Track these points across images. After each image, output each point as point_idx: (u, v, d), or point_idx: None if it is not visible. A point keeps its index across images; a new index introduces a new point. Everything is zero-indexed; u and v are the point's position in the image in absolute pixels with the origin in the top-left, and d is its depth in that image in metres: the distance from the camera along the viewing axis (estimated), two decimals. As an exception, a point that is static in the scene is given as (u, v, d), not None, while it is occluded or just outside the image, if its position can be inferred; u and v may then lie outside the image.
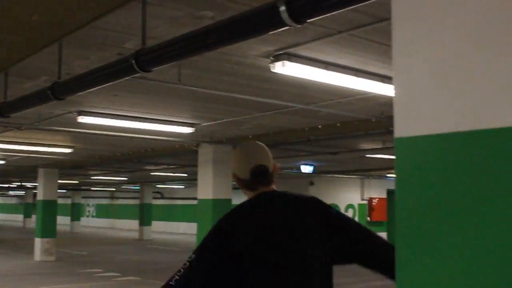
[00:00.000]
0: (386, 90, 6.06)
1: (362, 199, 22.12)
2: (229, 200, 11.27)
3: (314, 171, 16.71)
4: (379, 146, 11.65)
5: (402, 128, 1.64)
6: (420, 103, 1.61)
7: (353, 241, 2.48)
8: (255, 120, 8.82)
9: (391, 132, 7.93)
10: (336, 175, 20.21)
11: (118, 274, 14.06)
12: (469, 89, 1.49)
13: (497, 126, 1.40)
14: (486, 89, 1.45)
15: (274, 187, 2.60)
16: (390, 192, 23.05)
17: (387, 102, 7.21)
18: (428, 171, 1.55)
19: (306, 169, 16.63)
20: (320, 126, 9.25)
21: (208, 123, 9.04)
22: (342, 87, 6.04)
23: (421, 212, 1.55)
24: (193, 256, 2.39)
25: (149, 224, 28.77)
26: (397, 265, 1.60)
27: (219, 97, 6.85)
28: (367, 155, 12.65)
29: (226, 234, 2.39)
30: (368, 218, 22.09)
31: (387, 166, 17.01)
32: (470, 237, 1.45)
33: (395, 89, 1.68)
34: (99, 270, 14.82)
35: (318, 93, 6.72)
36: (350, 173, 19.82)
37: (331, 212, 2.54)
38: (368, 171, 18.99)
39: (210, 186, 10.95)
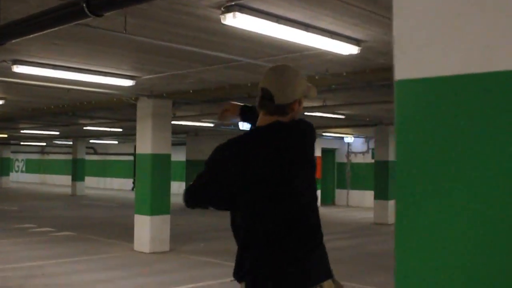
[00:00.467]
0: (334, 46, 6.08)
1: (299, 157, 22.39)
2: (169, 155, 11.18)
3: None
4: (318, 104, 11.76)
5: (403, 70, 1.59)
6: (423, 43, 1.56)
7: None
8: (198, 74, 8.69)
9: (332, 90, 8.06)
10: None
11: (53, 229, 13.78)
12: (477, 29, 1.44)
13: (505, 69, 1.38)
14: (495, 30, 1.42)
15: (282, 119, 2.57)
16: (324, 151, 23.45)
17: (332, 59, 7.26)
18: (430, 115, 1.52)
19: (245, 126, 16.57)
20: (263, 82, 9.20)
21: (149, 76, 8.84)
22: (291, 42, 6.01)
23: (421, 156, 1.54)
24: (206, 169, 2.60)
25: (82, 179, 28.23)
26: (397, 212, 1.58)
27: (165, 48, 6.69)
28: (306, 113, 12.73)
29: (226, 157, 2.59)
30: (304, 176, 22.43)
31: (323, 124, 17.26)
32: (472, 182, 1.44)
33: (395, 27, 1.61)
34: (33, 226, 14.48)
35: (266, 48, 6.67)
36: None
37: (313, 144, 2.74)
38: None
39: (149, 140, 10.80)
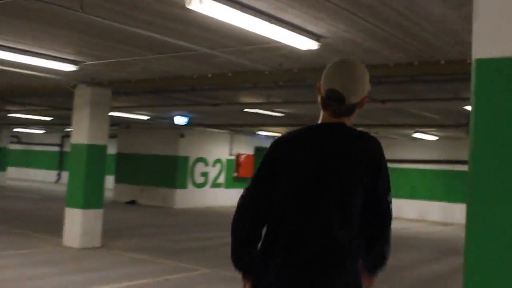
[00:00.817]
0: (294, 40, 5.98)
1: (230, 155, 22.29)
2: (105, 147, 10.78)
3: (188, 123, 16.45)
4: (261, 100, 11.68)
5: (483, 49, 1.49)
6: (505, 21, 1.46)
7: (370, 211, 2.42)
8: (145, 63, 8.40)
9: (280, 86, 7.96)
10: (208, 129, 20.12)
11: (-26, 221, 13.03)
12: None
13: None
14: None
15: (346, 120, 2.44)
16: (257, 149, 23.47)
17: (287, 54, 7.17)
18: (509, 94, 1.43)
19: (180, 120, 16.32)
20: (210, 75, 9.02)
21: (93, 62, 8.45)
22: (250, 33, 5.87)
23: (500, 136, 1.44)
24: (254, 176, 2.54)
25: (4, 170, 26.96)
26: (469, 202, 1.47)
27: (116, 32, 6.39)
28: (246, 110, 12.64)
29: (273, 152, 2.47)
30: (235, 174, 22.34)
31: (259, 122, 17.22)
32: None
33: (476, 5, 1.51)
34: (-49, 216, 13.64)
35: (223, 38, 6.49)
36: (222, 127, 19.82)
37: (381, 168, 2.40)
38: (240, 126, 19.11)
39: (85, 130, 10.36)
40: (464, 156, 19.40)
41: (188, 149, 20.45)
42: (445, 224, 19.04)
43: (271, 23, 5.47)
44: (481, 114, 1.48)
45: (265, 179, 2.47)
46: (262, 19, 5.37)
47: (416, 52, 6.66)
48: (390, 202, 2.45)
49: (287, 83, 9.02)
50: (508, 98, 1.44)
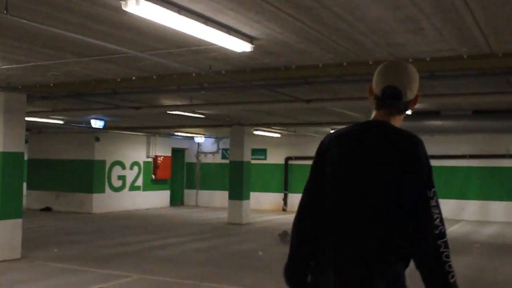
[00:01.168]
0: (229, 43, 5.89)
1: (148, 157, 21.87)
2: (22, 154, 10.26)
3: (104, 127, 15.98)
4: (184, 102, 11.51)
5: None
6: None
7: (408, 216, 2.27)
8: (66, 67, 8.03)
9: (205, 88, 7.87)
10: (123, 132, 19.65)
11: None
12: None
13: None
14: None
15: (396, 120, 2.45)
16: (174, 150, 23.19)
17: (217, 57, 7.08)
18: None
19: (97, 124, 15.84)
20: (134, 78, 8.77)
21: (9, 66, 7.99)
22: (183, 35, 5.74)
23: None
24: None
25: None
26: None
27: (40, 35, 6.06)
28: (169, 112, 12.42)
29: (322, 149, 2.52)
30: (153, 176, 21.95)
31: (179, 124, 17.01)
32: None
33: None
34: None
35: (153, 41, 6.31)
36: (139, 130, 19.42)
37: (416, 169, 2.29)
38: (158, 128, 18.81)
39: (0, 137, 9.79)
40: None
41: (105, 152, 19.86)
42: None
43: (207, 25, 5.36)
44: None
45: (316, 178, 2.52)
46: (199, 22, 5.26)
47: (346, 53, 6.76)
48: (435, 207, 2.27)
49: (213, 85, 8.94)
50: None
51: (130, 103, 11.30)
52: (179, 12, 4.97)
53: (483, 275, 9.47)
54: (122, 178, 20.62)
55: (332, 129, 17.30)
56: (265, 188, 22.00)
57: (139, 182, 21.52)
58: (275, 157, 22.20)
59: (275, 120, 15.28)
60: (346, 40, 6.12)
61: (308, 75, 7.84)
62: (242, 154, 17.07)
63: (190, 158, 24.04)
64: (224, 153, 23.00)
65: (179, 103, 11.75)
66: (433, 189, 2.30)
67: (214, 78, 8.26)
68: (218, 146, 23.29)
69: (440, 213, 2.28)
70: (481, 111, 12.22)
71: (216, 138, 23.01)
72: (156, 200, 22.29)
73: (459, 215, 18.96)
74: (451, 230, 16.11)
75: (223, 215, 18.77)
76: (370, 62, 7.14)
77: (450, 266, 2.25)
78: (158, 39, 6.18)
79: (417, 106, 8.64)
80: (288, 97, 9.51)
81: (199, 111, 13.06)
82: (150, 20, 5.06)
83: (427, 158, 2.33)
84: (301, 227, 2.53)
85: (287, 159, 21.98)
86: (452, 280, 2.24)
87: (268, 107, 10.99)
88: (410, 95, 2.44)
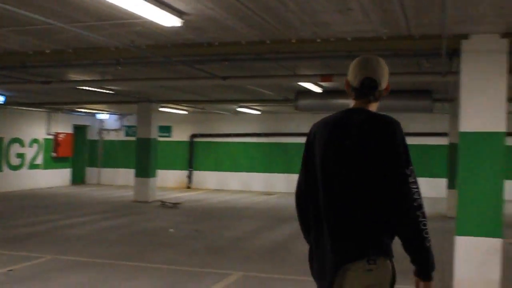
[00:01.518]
0: (159, 16, 5.77)
1: (48, 134, 21.00)
2: None
3: (5, 102, 15.13)
4: (96, 78, 11.18)
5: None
6: None
7: (388, 188, 2.58)
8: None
9: (121, 63, 7.69)
10: (22, 108, 18.74)
11: None
12: None
13: None
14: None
15: (372, 106, 2.80)
16: (76, 127, 22.45)
17: (140, 31, 6.94)
18: None
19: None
20: (48, 51, 8.40)
21: None
22: (110, 7, 5.61)
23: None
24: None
25: None
26: None
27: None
28: (79, 87, 12.00)
29: (311, 137, 2.88)
30: (54, 154, 21.14)
31: (81, 100, 16.48)
32: None
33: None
34: None
35: (76, 12, 6.07)
36: (38, 106, 18.58)
37: (393, 147, 2.61)
38: (60, 104, 18.10)
39: None
40: (285, 129, 20.61)
41: (2, 129, 18.87)
42: (268, 193, 19.97)
43: None
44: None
45: (307, 165, 2.87)
46: (130, -7, 5.14)
47: (272, 31, 6.83)
48: (412, 180, 2.58)
49: (130, 60, 8.75)
50: None
51: (38, 77, 10.80)
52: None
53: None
54: (21, 156, 19.71)
55: (240, 107, 17.46)
56: (170, 165, 21.84)
57: (39, 160, 20.65)
58: (180, 134, 22.08)
59: (185, 97, 15.16)
60: (274, 18, 6.20)
61: (230, 52, 7.86)
62: (149, 131, 16.84)
63: (92, 135, 23.37)
64: (128, 130, 22.57)
65: (88, 78, 11.39)
66: (410, 167, 2.61)
67: (132, 53, 8.08)
68: (121, 123, 22.79)
69: (417, 187, 2.59)
70: (392, 91, 12.75)
71: (119, 115, 22.49)
72: (57, 178, 21.50)
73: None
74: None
75: (128, 193, 18.50)
76: (293, 41, 7.29)
77: (426, 233, 2.56)
78: (81, 10, 5.97)
79: (328, 84, 8.93)
80: (205, 74, 9.48)
81: (109, 87, 12.72)
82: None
83: (403, 138, 2.65)
84: (302, 217, 2.94)
85: (192, 136, 21.93)
86: (428, 245, 2.57)
87: (184, 83, 10.88)
88: (384, 84, 2.81)
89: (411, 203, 2.54)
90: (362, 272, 2.56)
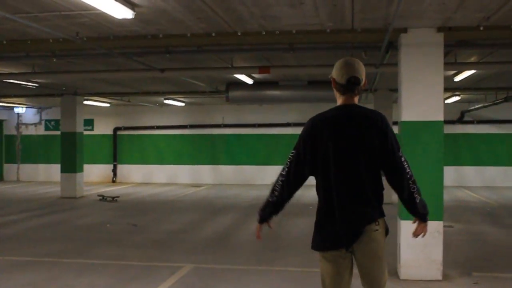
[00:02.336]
0: (111, 8, 5.68)
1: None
2: None
3: None
4: (24, 70, 10.79)
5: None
6: None
7: (387, 165, 3.48)
8: None
9: (57, 55, 7.56)
10: None
11: None
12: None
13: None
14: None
15: (356, 99, 3.56)
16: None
17: (86, 23, 6.80)
18: None
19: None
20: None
21: None
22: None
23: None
24: (295, 149, 3.56)
25: None
26: None
27: None
28: (4, 80, 11.53)
29: (310, 128, 3.52)
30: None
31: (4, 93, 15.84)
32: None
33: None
34: None
35: (21, 3, 5.88)
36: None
37: (387, 130, 3.47)
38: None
39: None
40: (210, 120, 20.64)
41: None
42: (195, 185, 19.97)
43: None
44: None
45: (306, 152, 3.49)
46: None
47: (220, 24, 6.87)
48: (403, 157, 3.48)
49: (66, 52, 8.55)
50: None
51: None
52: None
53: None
54: None
55: (166, 98, 17.31)
56: (93, 159, 21.34)
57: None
58: (103, 128, 21.62)
59: (112, 89, 14.87)
60: (225, 10, 6.24)
61: (173, 44, 7.83)
62: (74, 125, 16.41)
63: (9, 130, 22.42)
64: (48, 124, 21.84)
65: (16, 71, 10.98)
66: (400, 149, 3.54)
67: (70, 45, 7.88)
68: (40, 117, 22.01)
69: (407, 162, 3.51)
70: (315, 81, 13.10)
71: (38, 108, 21.71)
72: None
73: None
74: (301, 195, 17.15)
75: (53, 189, 17.99)
76: (239, 33, 7.36)
77: (417, 193, 3.54)
78: (26, 1, 5.78)
79: (259, 76, 9.15)
80: (144, 66, 9.38)
81: (36, 80, 12.30)
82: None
83: (391, 127, 3.53)
84: (289, 191, 3.59)
85: (116, 129, 21.53)
86: (418, 199, 3.56)
87: (121, 75, 10.71)
88: (363, 81, 3.53)
89: (406, 175, 3.47)
90: (372, 231, 3.44)
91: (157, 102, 19.04)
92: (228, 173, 20.77)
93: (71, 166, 16.34)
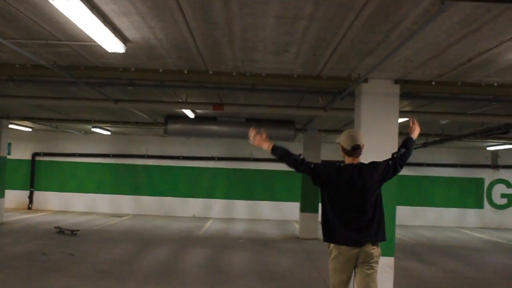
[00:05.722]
0: (105, 41, 5.81)
1: None
2: None
3: None
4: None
5: None
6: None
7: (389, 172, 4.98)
8: None
9: (14, 80, 7.58)
10: None
11: None
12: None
13: None
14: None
15: (359, 158, 4.91)
16: None
17: (65, 52, 6.88)
18: None
19: None
20: None
21: None
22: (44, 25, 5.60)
23: None
24: (314, 165, 4.93)
25: None
26: None
27: None
28: None
29: (331, 175, 4.87)
30: None
31: None
32: None
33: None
34: None
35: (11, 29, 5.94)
36: None
37: (383, 167, 4.94)
38: None
39: None
40: (135, 150, 20.54)
41: None
42: (117, 215, 19.71)
43: (93, 13, 5.19)
44: None
45: (323, 177, 4.88)
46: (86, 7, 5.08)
47: (197, 62, 7.18)
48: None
49: (25, 78, 8.46)
50: None
51: None
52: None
53: (259, 265, 10.70)
54: None
55: (94, 126, 17.12)
56: (8, 185, 20.44)
57: None
58: (20, 152, 20.92)
59: (45, 115, 14.58)
60: (210, 52, 6.57)
61: (139, 78, 7.99)
62: (-1, 148, 15.90)
63: None
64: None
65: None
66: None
67: (31, 70, 7.86)
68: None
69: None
70: (253, 119, 13.57)
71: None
72: None
73: (207, 213, 20.57)
74: (207, 228, 17.39)
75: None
76: (210, 72, 7.70)
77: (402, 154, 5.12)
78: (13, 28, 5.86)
79: (201, 111, 9.44)
80: (103, 96, 9.45)
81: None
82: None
83: (381, 163, 4.97)
84: (289, 162, 4.98)
85: (35, 154, 20.91)
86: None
87: (73, 103, 10.64)
88: (362, 146, 4.89)
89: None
90: (371, 249, 4.76)
91: (83, 129, 18.78)
92: (149, 203, 20.69)
93: (-3, 190, 15.74)
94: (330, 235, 4.82)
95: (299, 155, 4.91)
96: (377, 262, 4.80)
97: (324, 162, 5.10)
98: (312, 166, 4.85)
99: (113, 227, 16.24)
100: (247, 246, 13.40)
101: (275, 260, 11.32)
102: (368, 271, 4.74)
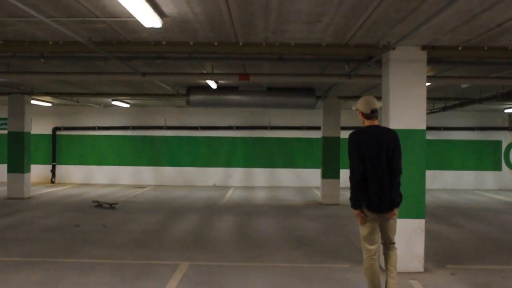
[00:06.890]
0: (143, 16, 5.94)
1: None
2: None
3: None
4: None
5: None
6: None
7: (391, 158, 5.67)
8: None
9: (45, 57, 7.76)
10: None
11: None
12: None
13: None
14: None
15: (377, 121, 5.75)
16: None
17: (100, 29, 7.03)
18: None
19: None
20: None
21: None
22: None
23: None
24: (350, 153, 5.68)
25: None
26: None
27: None
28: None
29: (356, 140, 5.63)
30: None
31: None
32: None
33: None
34: None
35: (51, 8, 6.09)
36: None
37: (396, 141, 5.70)
38: None
39: None
40: (153, 122, 20.77)
41: None
42: (139, 186, 20.05)
43: None
44: None
45: (357, 154, 5.59)
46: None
47: (229, 35, 7.30)
48: (400, 163, 5.67)
49: (56, 55, 8.62)
50: None
51: None
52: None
53: (286, 231, 10.97)
54: None
55: (114, 100, 17.32)
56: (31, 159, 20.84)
57: None
58: (41, 128, 21.21)
59: (66, 89, 14.77)
60: (243, 23, 6.68)
61: (169, 51, 8.12)
62: (22, 124, 16.15)
63: None
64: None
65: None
66: (401, 148, 5.75)
67: (61, 47, 8.00)
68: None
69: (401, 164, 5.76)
70: (274, 88, 13.71)
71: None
72: None
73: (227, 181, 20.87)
74: (229, 196, 17.68)
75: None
76: (240, 44, 7.82)
77: (398, 184, 5.70)
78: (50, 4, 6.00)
79: (224, 82, 9.65)
80: (132, 70, 9.61)
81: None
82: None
83: (399, 137, 5.73)
84: (359, 174, 5.57)
85: (55, 129, 21.20)
86: (399, 180, 5.72)
87: (104, 77, 10.81)
88: (378, 109, 5.73)
89: (400, 162, 5.69)
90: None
91: (103, 103, 18.99)
92: (170, 174, 21.00)
93: (18, 166, 16.06)
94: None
95: (357, 170, 5.58)
96: None
97: (351, 134, 5.74)
98: (355, 151, 5.60)
99: (137, 198, 16.57)
100: (272, 212, 13.68)
101: (301, 226, 11.58)
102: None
